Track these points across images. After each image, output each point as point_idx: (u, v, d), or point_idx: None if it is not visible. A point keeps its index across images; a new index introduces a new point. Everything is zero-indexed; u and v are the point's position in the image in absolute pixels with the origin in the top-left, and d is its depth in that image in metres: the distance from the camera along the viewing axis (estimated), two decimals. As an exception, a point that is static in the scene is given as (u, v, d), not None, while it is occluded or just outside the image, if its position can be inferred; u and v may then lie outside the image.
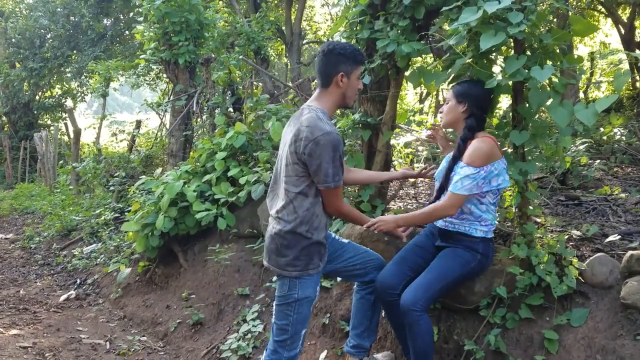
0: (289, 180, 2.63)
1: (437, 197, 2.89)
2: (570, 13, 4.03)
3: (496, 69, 2.97)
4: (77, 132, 11.29)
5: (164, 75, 9.27)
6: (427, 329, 2.73)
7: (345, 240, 3.06)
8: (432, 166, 3.16)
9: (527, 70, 2.62)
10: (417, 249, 3.02)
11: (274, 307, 2.77)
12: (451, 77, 3.08)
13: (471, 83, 2.87)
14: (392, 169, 4.49)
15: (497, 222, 3.03)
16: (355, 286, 3.14)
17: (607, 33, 12.51)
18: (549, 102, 2.68)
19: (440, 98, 11.76)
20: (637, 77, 10.32)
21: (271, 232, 2.71)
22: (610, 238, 3.28)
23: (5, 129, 19.23)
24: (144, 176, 6.28)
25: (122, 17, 16.91)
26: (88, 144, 15.52)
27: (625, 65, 9.23)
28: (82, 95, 19.41)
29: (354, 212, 2.83)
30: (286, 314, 2.68)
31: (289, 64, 13.30)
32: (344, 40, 2.71)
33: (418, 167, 3.42)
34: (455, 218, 2.85)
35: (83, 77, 17.09)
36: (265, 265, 2.78)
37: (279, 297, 2.71)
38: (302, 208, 2.60)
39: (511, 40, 2.83)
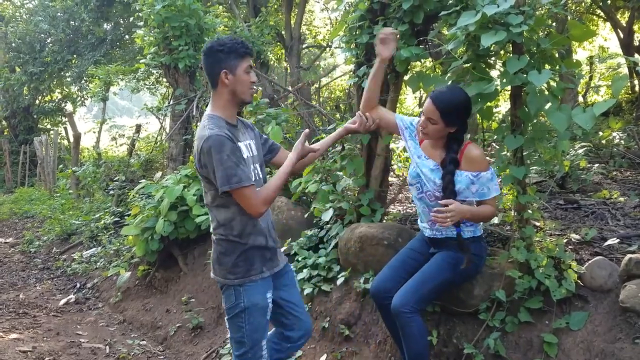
0: (206, 194, 2.57)
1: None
2: (568, 17, 4.04)
3: (494, 73, 2.98)
4: (77, 136, 11.31)
5: (164, 80, 9.28)
6: (420, 331, 2.74)
7: (298, 288, 2.87)
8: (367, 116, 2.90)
9: (525, 75, 2.63)
10: (412, 253, 3.04)
11: (226, 322, 2.64)
12: (449, 82, 3.09)
13: (455, 97, 2.71)
14: (391, 172, 4.49)
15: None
16: (273, 336, 2.85)
17: (606, 37, 12.53)
18: (547, 106, 2.69)
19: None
20: (636, 81, 10.34)
21: (212, 238, 2.64)
22: (609, 242, 3.29)
23: (5, 133, 19.23)
24: (143, 180, 6.29)
25: (122, 22, 16.93)
26: (88, 148, 15.52)
27: (624, 70, 9.27)
28: (82, 99, 19.40)
29: (276, 184, 2.52)
30: (239, 326, 2.55)
31: (288, 68, 13.32)
32: (241, 36, 2.51)
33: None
34: (441, 224, 2.77)
35: (83, 81, 17.09)
36: (212, 277, 2.67)
37: (227, 309, 2.59)
38: (223, 217, 2.52)
39: (510, 44, 2.85)
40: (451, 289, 2.96)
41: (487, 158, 2.92)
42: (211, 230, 2.63)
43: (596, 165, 5.33)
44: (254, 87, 2.59)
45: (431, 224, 2.91)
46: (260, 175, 2.64)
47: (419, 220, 3.11)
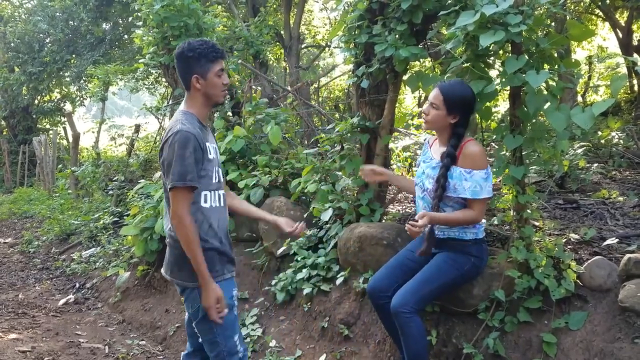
0: (167, 194, 2.48)
1: (435, 207, 2.82)
2: (567, 17, 4.05)
3: (493, 73, 2.99)
4: (76, 136, 11.30)
5: (163, 80, 9.30)
6: (419, 331, 2.75)
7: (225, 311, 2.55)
8: (302, 224, 2.82)
9: (524, 75, 2.63)
10: (410, 254, 3.04)
11: (194, 326, 2.58)
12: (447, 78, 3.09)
13: (461, 87, 2.81)
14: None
15: (484, 221, 3.04)
16: (186, 352, 2.83)
17: (605, 37, 12.55)
18: (546, 106, 2.69)
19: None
20: (635, 81, 10.35)
21: (168, 242, 2.58)
22: (608, 241, 3.29)
23: (4, 133, 19.22)
24: (142, 180, 6.28)
25: (121, 22, 16.91)
26: (87, 148, 15.50)
27: (623, 69, 9.28)
28: (81, 99, 19.39)
29: (192, 235, 2.37)
30: (208, 328, 2.49)
31: (287, 68, 13.32)
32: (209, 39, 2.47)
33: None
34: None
35: (82, 81, 17.08)
36: (168, 279, 2.60)
37: (192, 313, 2.53)
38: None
39: (509, 44, 2.85)
40: (451, 290, 2.96)
41: (488, 159, 2.91)
42: (165, 230, 2.58)
43: (595, 164, 5.33)
44: (226, 89, 2.58)
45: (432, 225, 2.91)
46: (221, 179, 2.62)
47: (421, 185, 3.05)
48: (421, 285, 2.79)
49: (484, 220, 3.01)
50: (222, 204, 2.59)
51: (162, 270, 2.65)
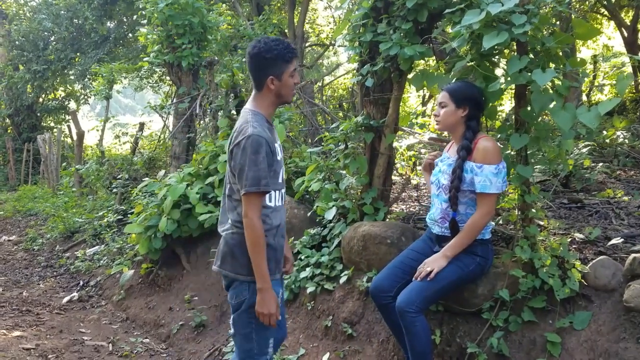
0: (231, 187, 2.54)
1: (453, 198, 2.82)
2: (573, 16, 4.03)
3: (498, 72, 2.98)
4: (80, 135, 11.31)
5: (167, 78, 9.30)
6: (424, 331, 2.75)
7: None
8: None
9: (529, 73, 2.62)
10: (413, 254, 3.05)
11: (232, 318, 2.60)
12: (454, 80, 3.08)
13: (466, 84, 2.89)
14: (395, 171, 4.48)
15: (493, 223, 3.04)
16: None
17: (610, 36, 12.49)
18: (551, 105, 2.68)
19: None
20: (640, 80, 10.30)
21: (225, 234, 2.59)
22: (613, 241, 3.28)
23: (9, 131, 19.28)
24: (147, 178, 6.29)
25: (125, 20, 16.93)
26: (91, 146, 15.52)
27: (628, 68, 9.24)
28: (86, 97, 19.46)
29: (260, 241, 2.41)
30: (248, 322, 2.51)
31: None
32: (269, 40, 2.50)
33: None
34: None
35: (86, 79, 17.10)
36: (216, 270, 2.61)
37: (235, 304, 2.55)
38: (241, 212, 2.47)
39: (514, 43, 2.84)
40: (456, 289, 2.96)
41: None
42: (228, 221, 2.57)
43: (600, 164, 5.31)
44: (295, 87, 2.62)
45: (441, 221, 2.93)
46: (284, 177, 2.66)
47: (427, 217, 3.11)
48: (427, 286, 2.79)
49: (492, 223, 3.00)
50: (283, 203, 2.63)
51: (213, 265, 2.66)
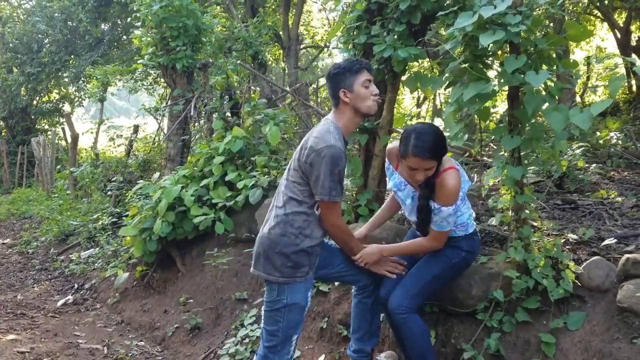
0: (288, 184, 2.67)
1: (421, 228, 2.84)
2: (566, 18, 4.05)
3: (491, 74, 2.98)
4: (75, 137, 11.28)
5: (162, 80, 9.30)
6: (419, 330, 2.75)
7: (335, 249, 2.96)
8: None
9: (522, 75, 2.63)
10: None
11: (263, 312, 2.74)
12: (447, 82, 3.09)
13: (432, 136, 2.63)
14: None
15: (473, 213, 3.01)
16: (353, 290, 3.11)
17: (603, 37, 12.55)
18: (545, 107, 2.69)
19: (437, 102, 11.76)
20: (633, 81, 10.36)
21: (262, 234, 2.71)
22: (607, 242, 3.30)
23: (3, 133, 19.20)
24: (141, 181, 6.28)
25: (119, 22, 16.91)
26: (86, 149, 15.48)
27: (621, 70, 9.29)
28: (80, 100, 19.40)
29: (348, 237, 2.80)
30: (276, 320, 2.65)
31: (286, 68, 13.32)
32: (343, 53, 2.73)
33: None
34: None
35: (81, 81, 17.07)
36: (251, 271, 2.75)
37: (267, 302, 2.69)
38: (293, 213, 2.62)
39: (507, 44, 2.85)
40: (445, 284, 2.97)
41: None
42: (271, 216, 2.71)
43: (594, 165, 5.34)
44: (377, 98, 2.69)
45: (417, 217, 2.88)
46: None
47: (407, 214, 3.03)
48: (412, 284, 2.81)
49: (473, 214, 2.98)
50: None
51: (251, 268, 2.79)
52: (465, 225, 2.87)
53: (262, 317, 2.74)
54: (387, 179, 3.09)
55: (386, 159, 3.05)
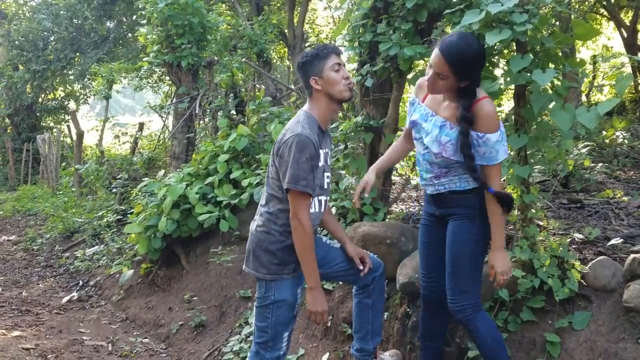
0: (269, 181, 2.65)
1: (471, 168, 2.45)
2: (572, 16, 4.03)
3: (497, 72, 2.97)
4: (80, 134, 11.31)
5: (167, 78, 9.29)
6: (487, 329, 2.55)
7: (337, 245, 2.90)
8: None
9: (528, 74, 2.62)
10: (427, 244, 2.81)
11: (254, 309, 2.75)
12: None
13: (465, 44, 2.37)
14: (394, 171, 4.49)
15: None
16: (353, 290, 3.05)
17: (610, 36, 12.49)
18: (551, 106, 2.68)
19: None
20: (640, 81, 10.31)
21: (250, 232, 2.70)
22: (613, 241, 3.28)
23: (8, 131, 19.25)
24: (146, 178, 6.29)
25: (125, 20, 16.93)
26: (91, 146, 15.53)
27: (628, 69, 9.22)
28: (85, 97, 19.43)
29: (306, 240, 2.50)
30: (265, 316, 2.64)
31: (291, 66, 13.32)
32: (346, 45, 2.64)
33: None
34: (444, 177, 2.56)
35: (86, 79, 17.10)
36: (243, 268, 2.74)
37: (257, 298, 2.69)
38: (276, 211, 2.59)
39: (513, 43, 2.84)
40: (484, 253, 2.65)
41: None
42: (259, 214, 2.68)
43: (600, 164, 5.31)
44: (349, 82, 2.57)
45: (432, 179, 2.62)
46: (328, 185, 2.71)
47: (419, 179, 2.78)
48: (455, 278, 2.56)
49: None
50: (320, 210, 2.71)
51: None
52: (459, 180, 2.57)
53: (254, 313, 2.74)
54: (407, 116, 2.77)
55: (412, 94, 2.79)
